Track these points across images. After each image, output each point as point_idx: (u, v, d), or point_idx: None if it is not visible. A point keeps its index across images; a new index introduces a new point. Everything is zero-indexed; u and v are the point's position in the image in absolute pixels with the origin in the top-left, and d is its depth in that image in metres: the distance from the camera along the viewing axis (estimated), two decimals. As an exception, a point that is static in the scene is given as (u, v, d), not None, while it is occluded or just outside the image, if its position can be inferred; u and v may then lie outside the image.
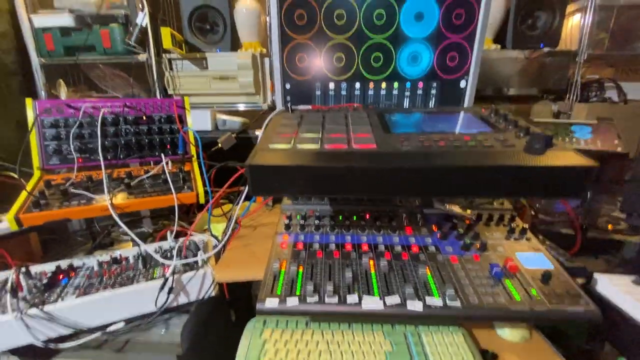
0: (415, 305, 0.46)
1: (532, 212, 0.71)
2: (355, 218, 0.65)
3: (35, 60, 1.33)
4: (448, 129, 0.55)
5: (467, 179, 0.43)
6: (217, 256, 0.71)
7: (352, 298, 0.47)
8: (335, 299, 0.46)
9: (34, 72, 1.34)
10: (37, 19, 1.29)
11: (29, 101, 0.79)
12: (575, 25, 1.45)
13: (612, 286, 0.60)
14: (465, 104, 0.83)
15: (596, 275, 0.63)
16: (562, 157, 0.43)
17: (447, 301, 0.46)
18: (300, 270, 0.51)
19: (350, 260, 0.54)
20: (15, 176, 0.86)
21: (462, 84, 0.82)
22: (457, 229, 0.62)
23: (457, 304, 0.46)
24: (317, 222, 0.63)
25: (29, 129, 0.78)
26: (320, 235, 0.60)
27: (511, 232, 0.61)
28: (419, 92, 0.83)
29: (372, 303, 0.46)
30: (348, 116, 0.60)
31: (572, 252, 0.67)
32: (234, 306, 0.80)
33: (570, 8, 1.40)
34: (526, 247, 0.58)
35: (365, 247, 0.57)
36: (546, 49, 1.30)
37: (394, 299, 0.47)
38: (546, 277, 0.50)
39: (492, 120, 0.58)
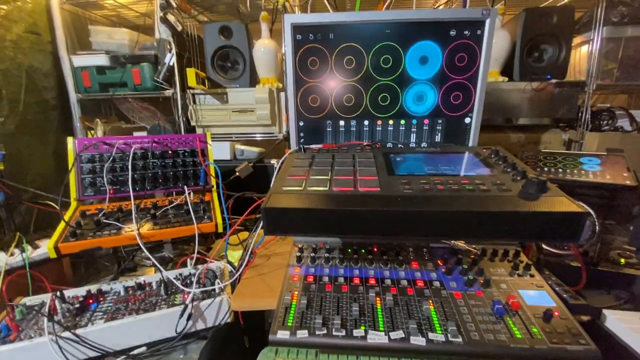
0: (418, 341, 0.48)
1: (537, 247, 0.73)
2: (363, 251, 0.68)
3: (73, 96, 1.47)
4: (449, 171, 0.58)
5: (463, 223, 0.47)
6: (233, 283, 0.75)
7: (358, 332, 0.50)
8: (343, 332, 0.50)
9: (71, 106, 1.47)
10: (76, 59, 1.44)
11: (70, 140, 0.88)
12: (583, 55, 1.48)
13: (621, 323, 0.60)
14: (471, 139, 0.87)
15: (605, 312, 0.63)
16: (555, 203, 0.46)
17: (449, 337, 0.49)
18: (310, 303, 0.55)
19: (357, 294, 0.57)
20: (55, 205, 0.95)
21: (467, 120, 0.86)
22: (461, 264, 0.64)
23: (459, 339, 0.48)
24: (327, 254, 0.67)
25: (69, 166, 0.86)
26: (329, 269, 0.64)
27: (515, 268, 0.63)
28: (425, 128, 0.88)
29: (377, 337, 0.49)
30: (355, 157, 0.65)
31: (578, 287, 0.67)
32: (248, 332, 0.84)
33: (576, 40, 1.44)
34: (529, 283, 0.60)
35: (372, 281, 0.60)
36: (554, 80, 1.33)
37: (398, 334, 0.49)
38: (548, 315, 0.52)
39: (492, 162, 0.62)
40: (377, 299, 0.56)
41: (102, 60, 1.42)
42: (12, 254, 0.85)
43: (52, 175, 1.41)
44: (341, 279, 0.61)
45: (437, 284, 0.60)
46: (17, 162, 1.27)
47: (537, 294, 0.57)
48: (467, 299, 0.56)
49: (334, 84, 0.86)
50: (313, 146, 0.74)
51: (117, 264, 1.05)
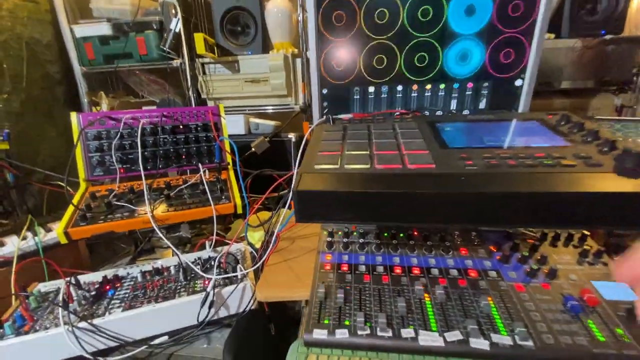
0: (480, 344, 0.41)
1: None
2: (402, 235, 0.60)
3: (77, 69, 1.38)
4: (513, 142, 0.48)
5: (546, 208, 0.37)
6: (257, 268, 0.69)
7: (407, 332, 0.43)
8: (389, 333, 0.43)
9: (77, 81, 1.39)
10: (77, 29, 1.34)
11: (73, 115, 0.81)
12: (641, 6, 1.29)
13: None
14: (521, 106, 0.75)
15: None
16: (666, 180, 0.36)
17: (518, 340, 0.41)
18: (348, 297, 0.48)
19: (401, 286, 0.50)
20: (66, 186, 0.89)
21: (518, 82, 0.74)
22: (519, 250, 0.56)
23: (530, 343, 0.41)
24: (361, 240, 0.59)
25: (75, 142, 0.79)
26: (365, 256, 0.56)
27: (584, 255, 0.54)
28: (468, 93, 0.76)
29: (430, 339, 0.42)
30: (396, 127, 0.55)
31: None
32: (274, 319, 0.79)
33: (636, -13, 1.24)
34: (603, 274, 0.51)
35: (416, 271, 0.52)
36: (608, 36, 1.16)
37: (454, 335, 0.42)
38: (632, 312, 0.43)
39: (565, 130, 0.51)
40: (425, 292, 0.48)
41: (105, 29, 1.32)
42: (24, 238, 0.81)
43: (64, 155, 1.36)
44: (380, 268, 0.53)
45: (493, 274, 0.52)
46: (26, 142, 1.22)
47: (615, 287, 0.48)
48: (531, 293, 0.48)
49: (362, 43, 0.75)
50: (342, 116, 0.64)
51: (135, 246, 1.01)
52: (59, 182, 0.95)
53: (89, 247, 1.02)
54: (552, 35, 1.19)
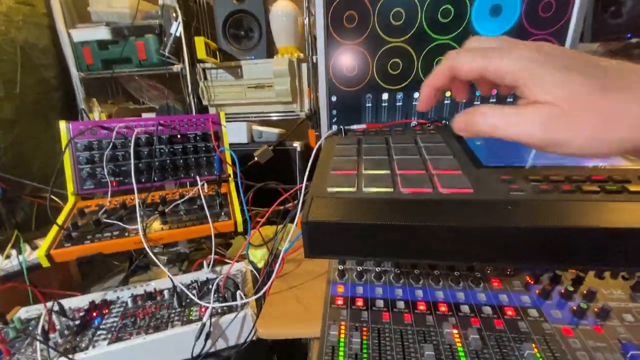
0: (528, 408, 0.34)
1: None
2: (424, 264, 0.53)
3: (75, 74, 1.33)
4: (561, 160, 0.41)
5: (609, 244, 0.30)
6: (259, 296, 0.63)
7: (438, 390, 0.35)
8: (416, 390, 0.35)
9: (74, 86, 1.34)
10: (75, 33, 1.29)
11: (62, 123, 0.75)
12: (667, 8, 1.21)
13: None
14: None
15: None
16: None
17: (574, 403, 0.34)
18: (365, 340, 0.41)
19: (426, 326, 0.43)
20: (56, 199, 0.83)
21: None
22: (560, 283, 0.48)
23: (588, 407, 0.33)
24: (377, 268, 0.52)
25: (63, 153, 0.73)
26: (383, 287, 0.49)
27: (637, 289, 0.46)
28: (492, 100, 0.69)
29: (467, 400, 0.35)
30: (418, 141, 0.48)
31: None
32: (276, 350, 0.72)
33: (663, -12, 1.17)
34: (665, 313, 0.43)
35: (443, 308, 0.45)
36: (634, 40, 1.08)
37: (496, 395, 0.35)
38: None
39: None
40: (456, 336, 0.41)
41: (103, 33, 1.27)
42: (8, 256, 0.75)
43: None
44: (401, 304, 0.46)
45: (533, 312, 0.44)
46: (19, 152, 1.16)
47: (682, 331, 0.41)
48: (582, 338, 0.40)
49: (376, 46, 0.68)
50: (355, 127, 0.58)
51: (129, 262, 0.94)
52: (52, 196, 0.89)
53: (79, 265, 0.96)
54: (574, 39, 1.12)
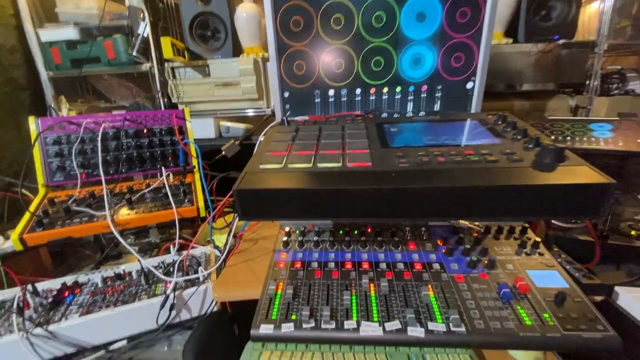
0: (416, 332, 0.43)
1: (545, 222, 0.67)
2: (356, 232, 0.62)
3: (44, 74, 1.35)
4: (450, 141, 0.51)
5: (467, 200, 0.40)
6: (219, 269, 0.70)
7: (349, 324, 0.45)
8: (332, 325, 0.44)
9: (43, 86, 1.37)
10: (43, 33, 1.31)
11: (31, 119, 0.80)
12: (593, 13, 1.37)
13: (634, 301, 0.55)
14: (473, 106, 0.79)
15: (617, 289, 0.58)
16: (575, 173, 0.39)
17: (451, 326, 0.44)
18: (297, 292, 0.50)
19: (349, 280, 0.52)
20: (27, 193, 0.88)
21: (469, 85, 0.78)
22: (464, 244, 0.58)
23: (462, 329, 0.43)
24: (316, 238, 0.61)
25: (32, 146, 0.78)
26: (319, 253, 0.58)
27: (522, 246, 0.57)
28: (423, 95, 0.79)
29: (370, 329, 0.44)
30: (345, 128, 0.57)
31: (590, 264, 0.62)
32: (237, 320, 0.79)
33: (587, -5, 1.32)
34: (539, 263, 0.54)
35: (365, 266, 0.55)
36: (562, 41, 1.22)
37: (393, 325, 0.44)
38: (560, 298, 0.46)
39: (499, 129, 0.54)
40: (371, 285, 0.50)
41: (71, 33, 1.30)
42: (-19, 246, 0.79)
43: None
44: (332, 264, 0.55)
45: (436, 266, 0.54)
46: (-12, 148, 1.18)
47: (547, 275, 0.52)
48: (470, 283, 0.51)
49: (321, 48, 0.77)
50: (298, 118, 0.66)
51: (101, 252, 0.99)
52: (20, 189, 0.93)
53: (52, 255, 1.00)
54: (511, 40, 1.25)
